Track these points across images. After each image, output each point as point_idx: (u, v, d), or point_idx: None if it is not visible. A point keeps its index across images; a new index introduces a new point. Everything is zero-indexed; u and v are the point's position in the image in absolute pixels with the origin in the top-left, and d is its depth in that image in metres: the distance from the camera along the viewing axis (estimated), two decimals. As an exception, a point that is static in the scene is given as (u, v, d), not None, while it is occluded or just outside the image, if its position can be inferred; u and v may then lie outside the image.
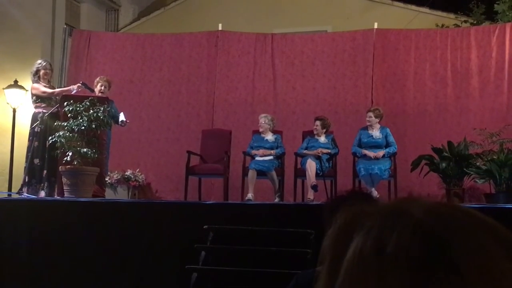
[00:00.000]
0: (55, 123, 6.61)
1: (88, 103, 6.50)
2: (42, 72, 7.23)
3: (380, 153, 7.23)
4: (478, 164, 7.08)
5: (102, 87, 7.28)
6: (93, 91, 7.19)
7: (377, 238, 0.54)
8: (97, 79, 7.44)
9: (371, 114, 7.49)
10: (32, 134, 7.08)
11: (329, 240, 0.58)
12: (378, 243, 0.53)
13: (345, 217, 0.58)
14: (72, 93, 7.03)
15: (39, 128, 7.01)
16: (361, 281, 0.53)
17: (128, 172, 8.56)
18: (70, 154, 6.37)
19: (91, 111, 6.45)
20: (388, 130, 7.51)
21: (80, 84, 7.17)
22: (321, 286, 0.57)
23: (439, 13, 11.08)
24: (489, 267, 0.51)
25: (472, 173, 7.07)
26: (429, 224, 0.53)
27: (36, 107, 7.15)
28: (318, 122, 7.56)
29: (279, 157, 7.54)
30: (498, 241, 0.53)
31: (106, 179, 7.75)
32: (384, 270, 0.52)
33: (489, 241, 0.53)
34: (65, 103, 6.58)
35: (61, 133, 6.41)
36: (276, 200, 7.27)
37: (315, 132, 7.57)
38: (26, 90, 8.51)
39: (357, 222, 0.56)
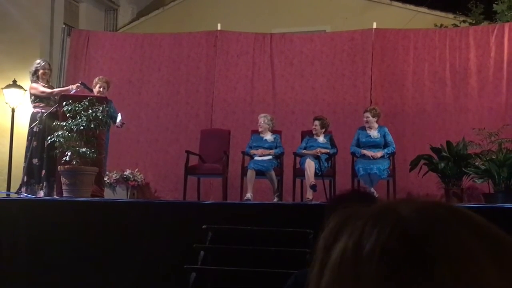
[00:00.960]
0: (54, 123, 6.60)
1: (87, 103, 6.50)
2: (40, 71, 7.22)
3: (379, 153, 7.22)
4: (476, 164, 7.08)
5: (101, 88, 7.28)
6: (92, 91, 7.19)
7: (358, 237, 0.54)
8: (96, 79, 7.44)
9: (368, 114, 7.49)
10: (31, 134, 7.07)
11: (321, 242, 0.58)
12: (359, 242, 0.53)
13: (337, 219, 0.58)
14: (71, 93, 7.02)
15: (38, 128, 7.00)
16: (341, 281, 0.53)
17: (127, 172, 8.57)
18: (69, 154, 6.36)
19: (90, 111, 6.45)
20: (386, 129, 7.51)
21: (79, 84, 7.16)
22: None
23: (438, 13, 11.09)
24: (465, 263, 0.50)
25: (471, 172, 7.08)
26: (409, 222, 0.53)
27: (34, 107, 7.14)
28: (317, 122, 7.57)
29: (278, 157, 7.54)
30: (481, 238, 0.52)
31: (105, 179, 7.74)
32: (360, 268, 0.52)
33: (469, 237, 0.52)
34: (64, 103, 6.58)
35: (60, 133, 6.41)
36: (275, 200, 7.27)
37: (314, 132, 7.58)
38: (25, 90, 8.50)
39: (347, 224, 0.56)
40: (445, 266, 0.50)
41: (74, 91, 7.05)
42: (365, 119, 7.50)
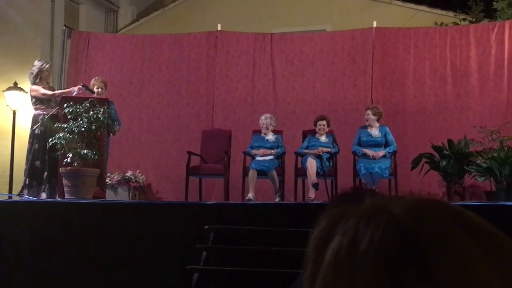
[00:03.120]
0: (55, 125, 6.61)
1: (88, 104, 6.50)
2: (45, 73, 7.21)
3: (380, 153, 7.22)
4: (478, 162, 7.08)
5: (99, 89, 7.27)
6: (93, 92, 7.18)
7: (352, 237, 0.53)
8: (92, 80, 7.44)
9: (369, 112, 7.49)
10: (32, 136, 7.07)
11: (311, 243, 0.58)
12: (353, 241, 0.53)
13: (327, 219, 0.58)
14: (72, 94, 7.03)
15: (39, 130, 7.00)
16: (335, 280, 0.53)
17: (129, 173, 8.58)
18: (71, 155, 6.37)
19: (91, 112, 6.46)
20: (387, 128, 7.51)
21: (80, 86, 7.16)
22: None
23: (438, 11, 11.09)
24: (459, 258, 0.50)
25: (472, 171, 7.08)
26: (402, 220, 0.53)
27: (35, 109, 7.14)
28: (324, 122, 7.55)
29: (280, 157, 7.53)
30: (473, 233, 0.53)
31: (107, 181, 7.74)
32: (356, 267, 0.51)
33: (462, 233, 0.52)
34: (65, 105, 6.59)
35: (61, 134, 6.42)
36: (277, 199, 7.27)
37: (322, 132, 7.55)
38: (26, 92, 8.50)
39: (339, 223, 0.56)
40: (440, 262, 0.50)
41: (75, 93, 7.06)
42: (366, 116, 7.49)
